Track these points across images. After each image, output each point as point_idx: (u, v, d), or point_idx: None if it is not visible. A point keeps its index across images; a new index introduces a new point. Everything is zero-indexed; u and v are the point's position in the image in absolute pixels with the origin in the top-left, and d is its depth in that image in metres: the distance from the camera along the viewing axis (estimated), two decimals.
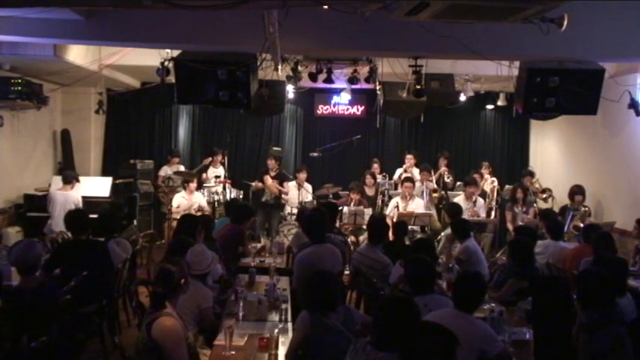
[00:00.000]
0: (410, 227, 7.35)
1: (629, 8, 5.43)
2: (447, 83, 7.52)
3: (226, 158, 9.63)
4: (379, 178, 9.09)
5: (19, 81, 7.39)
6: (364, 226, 7.33)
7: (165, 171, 9.49)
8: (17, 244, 4.35)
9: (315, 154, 9.71)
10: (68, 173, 8.02)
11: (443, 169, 9.38)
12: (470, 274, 3.68)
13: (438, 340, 2.47)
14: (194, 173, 9.25)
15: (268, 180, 8.88)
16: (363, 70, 7.35)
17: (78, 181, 7.94)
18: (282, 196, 9.01)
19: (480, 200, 8.49)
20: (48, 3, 4.37)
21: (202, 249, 4.39)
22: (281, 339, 3.56)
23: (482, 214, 8.36)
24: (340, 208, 7.73)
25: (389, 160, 10.52)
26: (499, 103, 9.90)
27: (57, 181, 8.20)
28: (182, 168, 9.70)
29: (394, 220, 7.68)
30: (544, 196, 8.99)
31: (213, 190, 9.03)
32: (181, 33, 5.42)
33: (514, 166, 10.74)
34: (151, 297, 3.38)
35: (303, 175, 9.01)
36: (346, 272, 5.69)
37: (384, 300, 3.40)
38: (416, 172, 9.38)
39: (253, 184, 9.10)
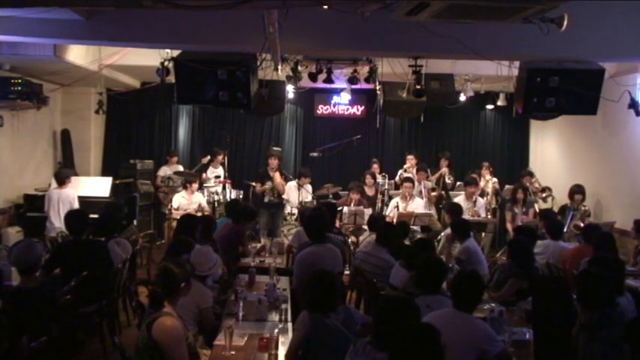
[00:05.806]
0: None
1: (629, 8, 5.43)
2: (447, 83, 7.52)
3: (226, 158, 9.63)
4: (379, 178, 9.08)
5: (19, 81, 7.39)
6: (364, 226, 7.31)
7: (165, 171, 9.48)
8: (17, 244, 4.35)
9: (315, 154, 9.69)
10: (60, 172, 7.95)
11: (444, 169, 9.37)
12: (466, 273, 3.65)
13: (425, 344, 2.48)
14: (195, 174, 9.22)
15: (277, 177, 8.70)
16: (363, 70, 7.34)
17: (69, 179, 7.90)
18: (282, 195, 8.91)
19: (480, 200, 8.48)
20: (48, 3, 4.37)
21: (208, 250, 4.39)
22: (281, 339, 3.56)
23: (483, 214, 8.36)
24: (340, 208, 7.73)
25: (389, 160, 10.51)
26: (499, 103, 9.89)
27: None
28: (181, 168, 9.68)
29: (394, 220, 7.68)
30: (544, 195, 8.98)
31: (213, 190, 9.02)
32: (181, 33, 5.42)
33: (514, 166, 10.73)
34: (150, 296, 3.38)
35: (306, 180, 8.87)
36: (346, 272, 5.69)
37: (384, 300, 3.40)
38: None
39: (257, 186, 8.69)
